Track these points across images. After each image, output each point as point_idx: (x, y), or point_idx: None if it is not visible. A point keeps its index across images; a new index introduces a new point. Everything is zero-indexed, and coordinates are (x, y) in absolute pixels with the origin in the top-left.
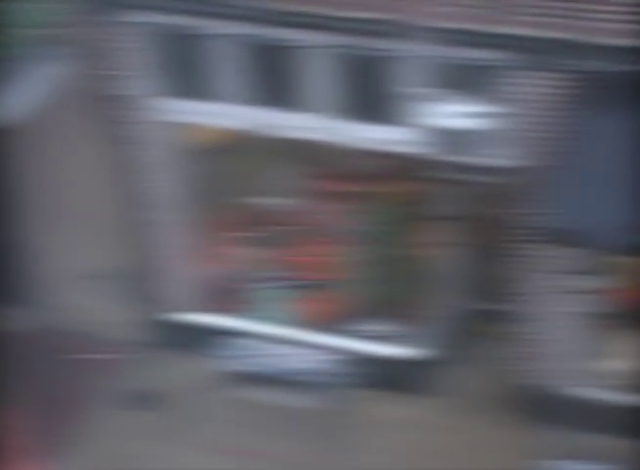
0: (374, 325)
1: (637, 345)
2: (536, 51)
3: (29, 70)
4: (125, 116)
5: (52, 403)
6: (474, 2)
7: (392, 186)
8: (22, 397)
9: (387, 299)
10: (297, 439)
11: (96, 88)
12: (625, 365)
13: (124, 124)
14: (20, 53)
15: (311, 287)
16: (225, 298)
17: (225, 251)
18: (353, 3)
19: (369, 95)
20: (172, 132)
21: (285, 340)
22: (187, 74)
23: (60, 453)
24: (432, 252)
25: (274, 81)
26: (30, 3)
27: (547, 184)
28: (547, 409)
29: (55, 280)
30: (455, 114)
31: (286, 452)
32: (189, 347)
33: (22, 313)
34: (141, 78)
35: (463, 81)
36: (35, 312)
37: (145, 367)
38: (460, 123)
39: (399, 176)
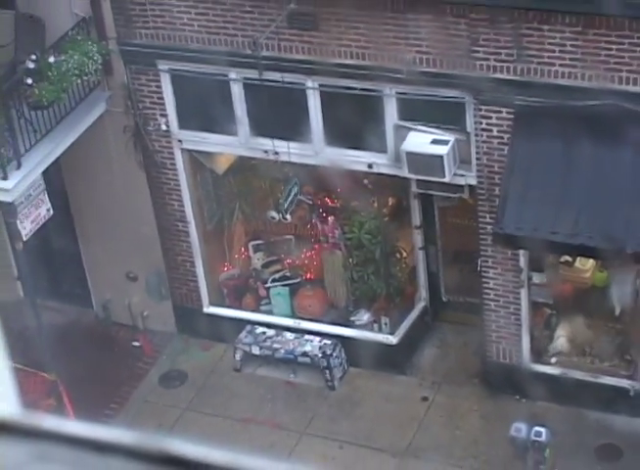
0: (362, 315)
1: (574, 327)
2: (490, 89)
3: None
4: (159, 146)
5: (100, 383)
6: (443, 49)
7: (375, 201)
8: (74, 377)
9: (372, 294)
10: (300, 409)
11: (134, 123)
12: (567, 344)
13: (158, 153)
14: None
15: (310, 285)
16: (242, 294)
17: (242, 256)
18: (342, 52)
19: (357, 127)
20: (196, 159)
21: (290, 328)
22: (207, 112)
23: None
24: (408, 254)
25: (279, 117)
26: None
27: (499, 199)
28: (508, 382)
29: (104, 281)
30: (426, 141)
31: (290, 419)
32: (214, 335)
33: (75, 309)
34: (170, 115)
35: (432, 114)
36: (87, 308)
37: (177, 352)
38: (430, 149)
39: (381, 192)
